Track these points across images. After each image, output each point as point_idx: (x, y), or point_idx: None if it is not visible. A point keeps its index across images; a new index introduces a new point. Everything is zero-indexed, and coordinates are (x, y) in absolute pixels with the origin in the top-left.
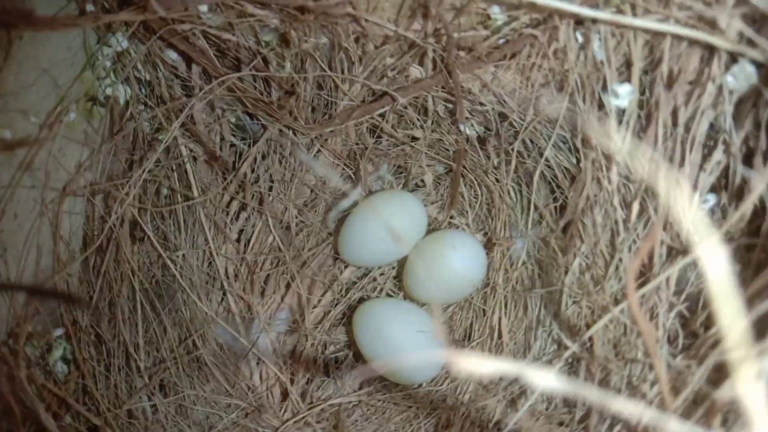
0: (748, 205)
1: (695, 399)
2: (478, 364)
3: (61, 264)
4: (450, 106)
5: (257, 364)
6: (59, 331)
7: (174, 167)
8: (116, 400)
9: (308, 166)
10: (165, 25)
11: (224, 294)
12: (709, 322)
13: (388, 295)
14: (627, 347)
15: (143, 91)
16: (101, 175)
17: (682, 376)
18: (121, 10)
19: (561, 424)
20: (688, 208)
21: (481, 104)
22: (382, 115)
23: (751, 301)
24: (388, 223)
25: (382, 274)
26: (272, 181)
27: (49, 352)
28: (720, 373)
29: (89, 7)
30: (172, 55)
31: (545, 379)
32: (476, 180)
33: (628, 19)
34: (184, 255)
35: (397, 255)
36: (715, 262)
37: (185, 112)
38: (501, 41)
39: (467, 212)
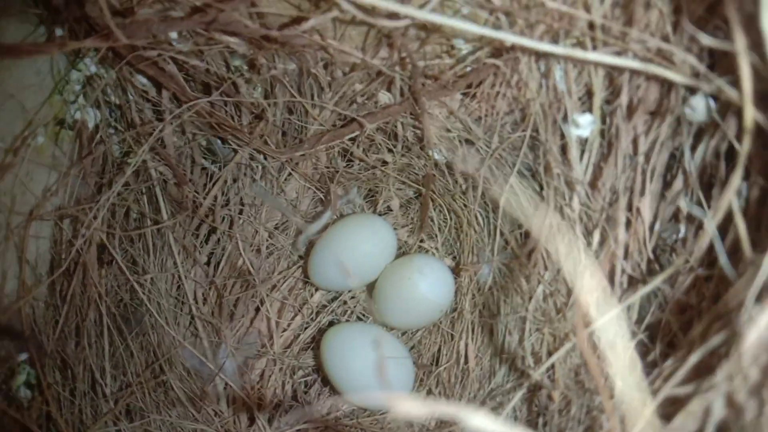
0: (703, 241)
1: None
2: (414, 407)
3: (27, 289)
4: (419, 132)
5: (224, 388)
6: (23, 356)
7: (143, 190)
8: (81, 425)
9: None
10: (133, 51)
11: (192, 318)
12: (669, 351)
13: (359, 318)
14: (587, 376)
15: (113, 115)
16: (69, 198)
17: (636, 408)
18: (87, 37)
19: None
20: (648, 238)
21: (448, 130)
22: (353, 140)
23: (704, 334)
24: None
25: (352, 297)
26: (243, 205)
27: (12, 378)
28: (674, 407)
29: (58, 32)
30: (142, 80)
31: (482, 422)
32: (445, 205)
33: (584, 54)
34: (152, 279)
35: (366, 279)
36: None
37: (154, 136)
38: (468, 69)
39: (437, 236)
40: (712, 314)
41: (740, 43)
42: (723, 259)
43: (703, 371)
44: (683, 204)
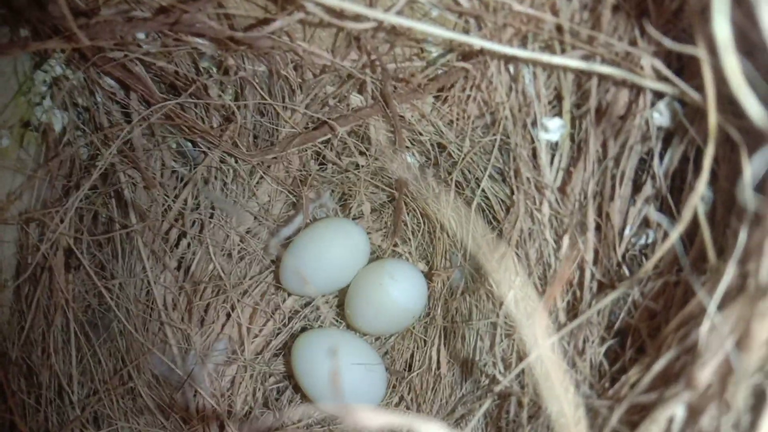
0: (666, 245)
1: None
2: (368, 418)
3: None
4: (391, 135)
5: (194, 396)
6: None
7: (112, 194)
8: None
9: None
10: (98, 52)
11: (161, 324)
12: (638, 357)
13: (332, 324)
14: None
15: (80, 117)
16: (36, 202)
17: (601, 416)
18: (52, 37)
19: None
20: (617, 243)
21: (421, 134)
22: (326, 143)
23: (670, 341)
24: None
25: (326, 302)
26: (213, 208)
27: None
28: (640, 414)
29: (22, 32)
30: (110, 82)
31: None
32: (418, 209)
33: (550, 58)
34: (121, 284)
35: (339, 284)
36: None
37: (121, 138)
38: (438, 72)
39: (410, 240)
40: (677, 321)
41: (702, 47)
42: (685, 264)
43: (669, 378)
44: (650, 212)
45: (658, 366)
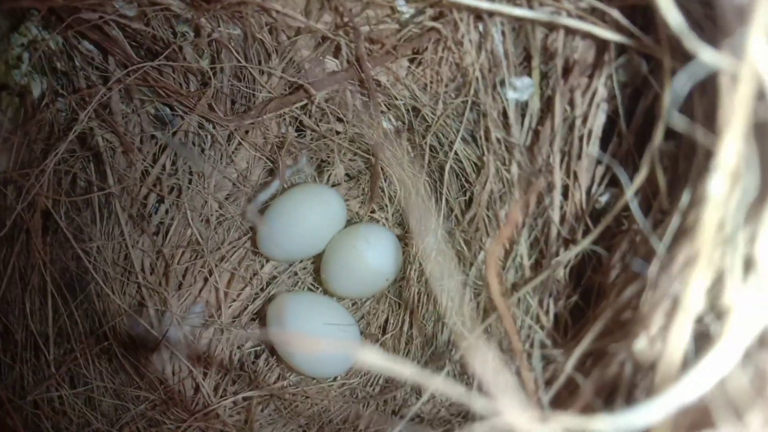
0: (625, 198)
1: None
2: (310, 344)
3: None
4: (368, 100)
5: (170, 357)
6: None
7: (90, 158)
8: (21, 390)
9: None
10: (73, 12)
11: (139, 287)
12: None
13: (309, 289)
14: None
15: (59, 81)
16: (14, 165)
17: (557, 364)
18: None
19: (458, 414)
20: (584, 202)
21: (396, 98)
22: (303, 108)
23: (622, 288)
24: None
25: (304, 268)
26: (191, 174)
27: None
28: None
29: None
30: (88, 46)
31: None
32: (394, 174)
33: (517, 11)
34: (98, 247)
35: (316, 249)
36: None
37: (96, 100)
38: (412, 33)
39: (387, 207)
40: (630, 270)
41: None
42: (634, 207)
43: (624, 325)
44: (612, 164)
45: (608, 312)
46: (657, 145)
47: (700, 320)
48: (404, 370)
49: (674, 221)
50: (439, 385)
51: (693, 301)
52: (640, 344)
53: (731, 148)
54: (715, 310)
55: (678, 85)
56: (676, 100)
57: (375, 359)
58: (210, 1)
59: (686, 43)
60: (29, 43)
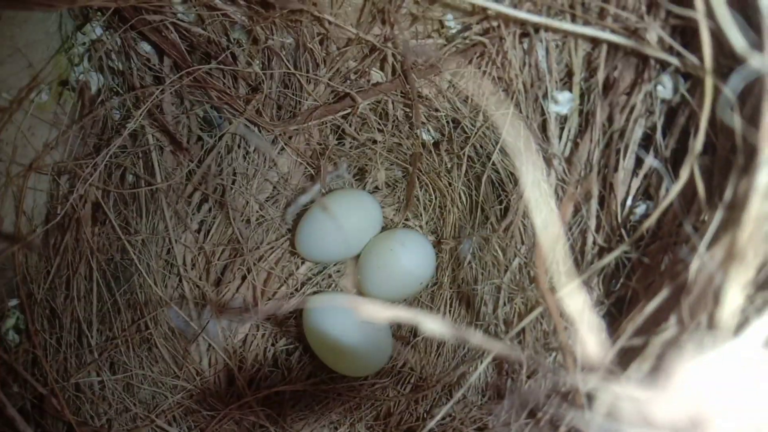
0: (665, 202)
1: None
2: (376, 311)
3: (21, 236)
4: (408, 111)
5: (207, 350)
6: (14, 302)
7: (140, 155)
8: (65, 372)
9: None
10: (137, 14)
11: (180, 280)
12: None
13: (344, 291)
14: (554, 341)
15: (115, 80)
16: (68, 156)
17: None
18: None
19: (490, 413)
20: (620, 212)
21: (437, 110)
22: (345, 117)
23: (659, 288)
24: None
25: (338, 270)
26: (235, 175)
27: (2, 321)
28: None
29: None
30: (146, 47)
31: (433, 324)
32: (430, 183)
33: (565, 25)
34: (143, 240)
35: (352, 252)
36: None
37: (151, 99)
38: (457, 48)
39: (422, 215)
40: (668, 271)
41: (700, 9)
42: (678, 208)
43: (660, 322)
44: (652, 162)
45: (651, 306)
46: (697, 151)
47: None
48: (469, 335)
49: (715, 221)
50: (501, 348)
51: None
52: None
53: None
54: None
55: (732, 85)
56: (728, 98)
57: (439, 327)
58: (268, 8)
59: (738, 48)
60: (92, 42)
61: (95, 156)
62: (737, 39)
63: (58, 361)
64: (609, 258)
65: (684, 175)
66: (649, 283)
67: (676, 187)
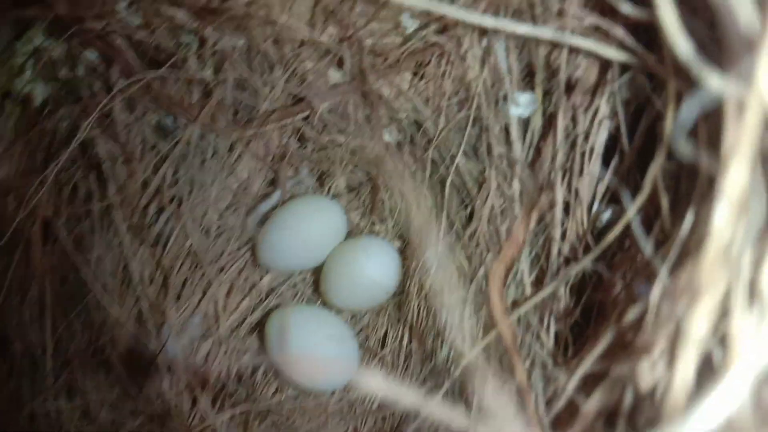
0: (627, 217)
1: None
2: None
3: None
4: (369, 112)
5: (167, 370)
6: None
7: (92, 167)
8: (18, 402)
9: None
10: (78, 22)
11: (137, 298)
12: (598, 332)
13: (309, 301)
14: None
15: (62, 90)
16: (15, 173)
17: (557, 384)
18: (31, 6)
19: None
20: (585, 219)
21: (398, 111)
22: (306, 119)
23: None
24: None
25: (303, 279)
26: (192, 184)
27: None
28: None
29: (4, 0)
30: (91, 55)
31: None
32: (395, 187)
33: (519, 28)
34: (98, 257)
35: (315, 261)
36: None
37: (98, 109)
38: (416, 47)
39: (387, 219)
40: (631, 290)
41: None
42: (636, 229)
43: (625, 346)
44: (614, 183)
45: (609, 334)
46: (659, 167)
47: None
48: (406, 395)
49: (677, 244)
50: (440, 411)
51: (698, 332)
52: (642, 370)
53: (737, 177)
54: (717, 336)
55: (685, 112)
56: (682, 127)
57: (377, 383)
58: (215, 12)
59: (694, 70)
60: (33, 51)
61: (44, 171)
62: (686, 52)
63: (10, 391)
64: (571, 271)
65: (644, 192)
66: (614, 297)
67: (635, 206)
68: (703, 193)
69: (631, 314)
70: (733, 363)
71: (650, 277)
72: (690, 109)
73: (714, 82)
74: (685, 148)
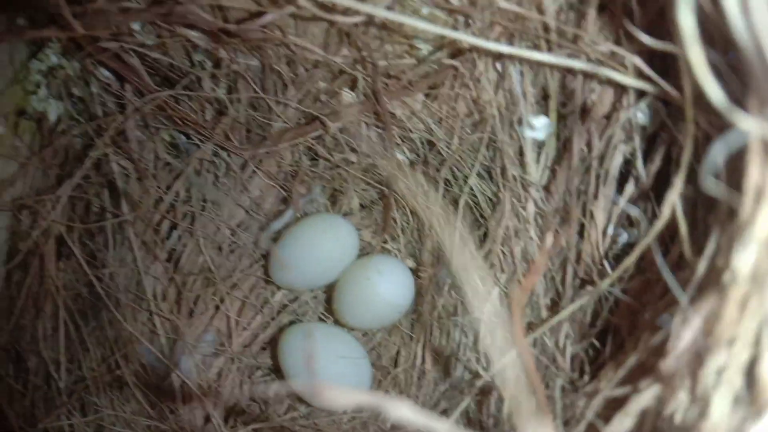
0: (644, 243)
1: None
2: (339, 396)
3: None
4: (382, 131)
5: (181, 386)
6: None
7: (105, 184)
8: (32, 418)
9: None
10: (93, 42)
11: (150, 314)
12: (618, 354)
13: (320, 319)
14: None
15: (75, 107)
16: (29, 190)
17: (578, 410)
18: (48, 26)
19: None
20: (600, 242)
21: (411, 131)
22: (318, 138)
23: (645, 335)
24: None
25: (314, 297)
26: (205, 201)
27: None
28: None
29: (20, 20)
30: (105, 73)
31: (400, 410)
32: (407, 206)
33: (532, 54)
34: (111, 273)
35: (327, 279)
36: None
37: (112, 127)
38: (429, 69)
39: (399, 237)
40: (653, 315)
41: (679, 42)
42: (658, 257)
43: (646, 372)
44: (631, 209)
45: (632, 360)
46: (677, 194)
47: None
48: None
49: (698, 274)
50: None
51: (728, 378)
52: (665, 397)
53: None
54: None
55: (714, 154)
56: (710, 168)
57: (407, 413)
58: (231, 35)
59: (726, 114)
60: (48, 69)
61: (58, 188)
62: (719, 97)
63: (25, 408)
64: (586, 297)
65: (662, 220)
66: (632, 320)
67: (655, 229)
68: (723, 223)
69: (653, 341)
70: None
71: (669, 304)
72: (719, 151)
73: (744, 124)
74: (712, 187)
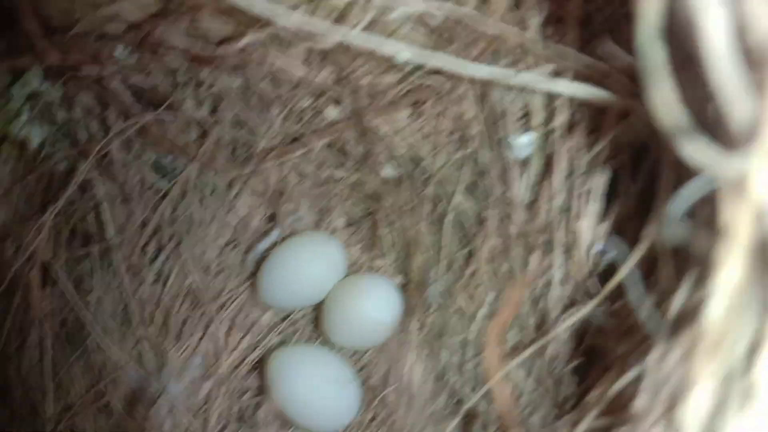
0: (623, 272)
1: None
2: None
3: None
4: (367, 148)
5: (169, 411)
6: None
7: (90, 208)
8: None
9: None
10: (73, 68)
11: (138, 339)
12: (604, 377)
13: (309, 338)
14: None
15: (59, 131)
16: (13, 217)
17: None
18: (28, 52)
19: None
20: (586, 261)
21: (396, 148)
22: (304, 156)
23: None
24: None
25: (303, 316)
26: (191, 222)
27: None
28: None
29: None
30: (87, 97)
31: None
32: (395, 223)
33: (512, 78)
34: (98, 298)
35: (316, 298)
36: None
37: (95, 153)
38: (412, 86)
39: (387, 255)
40: (632, 344)
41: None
42: (633, 290)
43: (627, 401)
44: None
45: (612, 391)
46: (654, 228)
47: None
48: None
49: (675, 308)
50: None
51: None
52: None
53: (733, 271)
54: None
55: (681, 200)
56: (675, 212)
57: None
58: (208, 61)
59: (695, 164)
60: (30, 94)
61: (42, 214)
62: (693, 155)
63: None
64: (570, 320)
65: (642, 247)
66: (618, 341)
67: (630, 262)
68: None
69: (629, 375)
70: None
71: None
72: (687, 197)
73: (715, 170)
74: (676, 233)
